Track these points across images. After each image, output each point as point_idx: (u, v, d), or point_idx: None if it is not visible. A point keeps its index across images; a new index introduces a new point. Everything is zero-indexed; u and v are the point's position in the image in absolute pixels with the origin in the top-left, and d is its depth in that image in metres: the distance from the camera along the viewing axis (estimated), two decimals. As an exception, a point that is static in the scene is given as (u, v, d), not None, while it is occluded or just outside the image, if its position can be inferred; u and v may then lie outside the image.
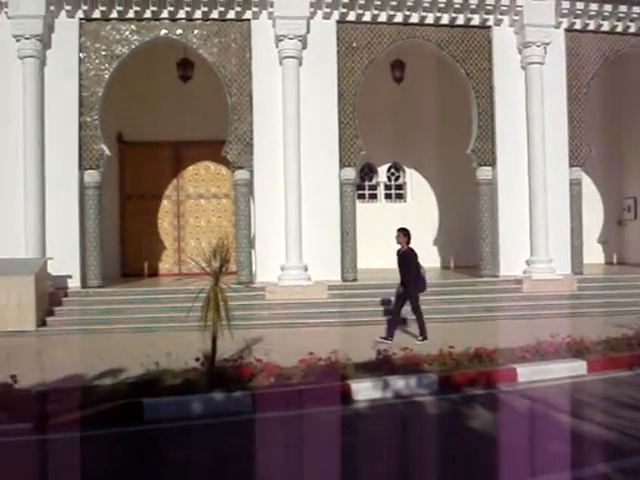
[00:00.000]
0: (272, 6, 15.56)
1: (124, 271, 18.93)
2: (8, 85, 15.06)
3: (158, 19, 15.66)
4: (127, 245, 19.19)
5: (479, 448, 6.33)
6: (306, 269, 15.42)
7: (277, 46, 15.70)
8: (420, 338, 11.54)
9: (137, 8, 15.45)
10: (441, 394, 8.33)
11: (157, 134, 18.87)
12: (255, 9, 15.76)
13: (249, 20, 15.88)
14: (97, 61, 15.50)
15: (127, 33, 15.65)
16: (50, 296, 14.20)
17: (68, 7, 15.34)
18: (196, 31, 15.75)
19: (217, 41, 15.76)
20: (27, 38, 15.02)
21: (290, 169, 15.42)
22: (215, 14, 15.71)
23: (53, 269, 14.65)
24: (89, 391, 8.09)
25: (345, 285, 15.64)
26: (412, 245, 11.97)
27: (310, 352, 9.14)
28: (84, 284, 15.21)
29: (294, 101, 15.51)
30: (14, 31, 15.02)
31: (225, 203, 19.61)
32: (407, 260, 11.80)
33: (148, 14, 15.59)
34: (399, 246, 12.01)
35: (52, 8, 15.22)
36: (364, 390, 8.19)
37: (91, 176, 15.33)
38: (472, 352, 9.38)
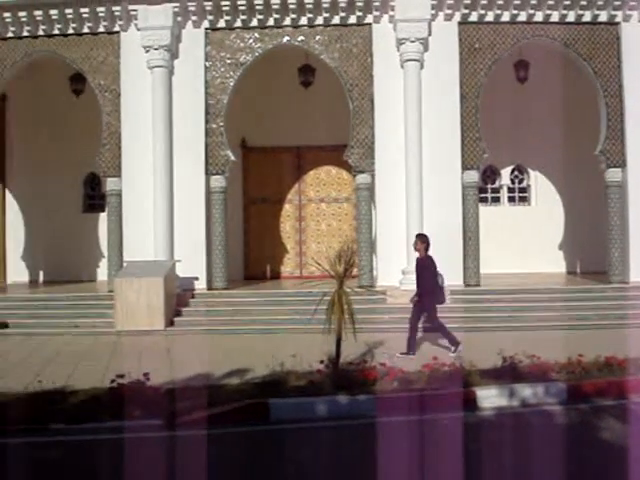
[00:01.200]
0: (393, 10, 15.53)
1: (247, 274, 19.35)
2: (139, 93, 15.71)
3: (281, 26, 15.93)
4: (250, 248, 19.60)
5: (610, 461, 6.06)
6: (428, 273, 15.26)
7: (398, 49, 15.65)
8: (452, 349, 10.92)
9: (260, 16, 15.77)
10: (570, 403, 8.03)
11: (279, 139, 19.19)
12: (376, 13, 15.77)
13: (370, 24, 15.90)
14: (222, 69, 15.92)
15: (251, 41, 16.00)
16: (178, 297, 14.70)
17: (194, 17, 15.85)
18: (318, 37, 15.91)
19: (338, 46, 15.87)
20: (156, 49, 15.64)
21: (412, 172, 15.32)
22: (336, 19, 15.82)
23: (180, 271, 15.17)
24: (216, 390, 8.29)
25: (468, 290, 15.38)
26: (438, 252, 11.60)
27: (434, 357, 9.04)
28: (210, 286, 15.65)
29: (415, 104, 15.41)
30: (143, 42, 15.69)
31: (346, 207, 19.70)
32: (422, 269, 11.25)
33: (271, 22, 15.89)
34: (416, 254, 11.52)
35: (179, 19, 15.76)
36: (489, 397, 8.02)
37: (217, 181, 15.78)
38: (602, 361, 9.00)
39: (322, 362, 8.59)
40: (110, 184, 15.94)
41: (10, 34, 16.12)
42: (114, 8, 15.75)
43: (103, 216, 18.54)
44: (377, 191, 15.81)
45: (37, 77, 17.99)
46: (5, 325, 14.14)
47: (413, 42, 15.45)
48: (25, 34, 16.12)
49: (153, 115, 15.55)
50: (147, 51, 15.69)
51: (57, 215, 19.54)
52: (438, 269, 11.25)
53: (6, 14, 15.82)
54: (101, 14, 15.80)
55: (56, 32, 16.06)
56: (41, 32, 16.08)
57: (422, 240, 11.41)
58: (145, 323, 13.70)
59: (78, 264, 19.30)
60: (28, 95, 18.90)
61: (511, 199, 20.54)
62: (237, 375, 9.20)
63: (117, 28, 16.03)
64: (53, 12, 15.75)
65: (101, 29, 16.03)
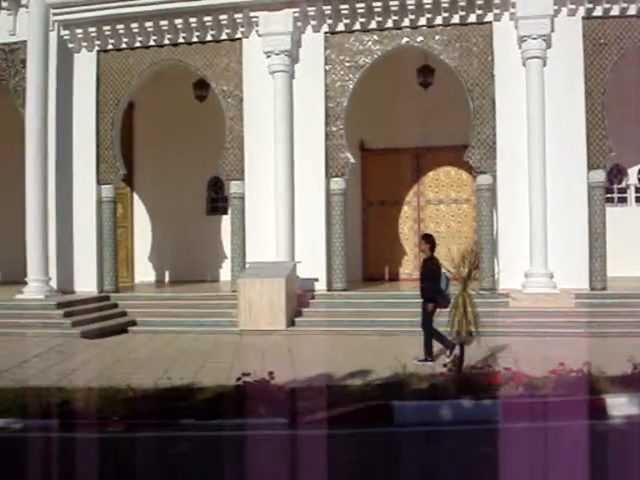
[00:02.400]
0: (514, 7, 15.18)
1: (366, 275, 19.39)
2: (261, 98, 16.05)
3: (399, 28, 15.87)
4: (369, 250, 19.63)
5: None
6: (551, 276, 14.84)
7: (520, 47, 15.29)
8: (422, 358, 10.49)
9: (379, 18, 15.78)
10: None
11: (397, 141, 19.12)
12: (496, 11, 15.47)
13: (490, 23, 15.61)
14: (342, 72, 16.03)
15: (370, 43, 16.03)
16: (298, 298, 14.90)
17: (314, 22, 16.03)
18: (437, 37, 15.76)
19: (458, 46, 15.67)
20: (277, 54, 15.92)
21: (535, 173, 14.92)
22: (456, 19, 15.62)
23: (301, 272, 15.38)
24: (338, 390, 8.35)
25: (593, 294, 14.84)
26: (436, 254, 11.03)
27: (560, 363, 8.78)
28: (329, 287, 15.79)
29: (538, 102, 15.00)
30: (265, 48, 16.01)
31: (465, 208, 19.43)
32: (424, 270, 10.97)
33: (390, 23, 15.86)
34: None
35: (299, 24, 15.99)
36: (620, 405, 7.71)
37: (337, 183, 15.89)
38: None
39: (445, 365, 8.51)
40: (233, 187, 16.35)
41: (137, 44, 16.80)
42: (236, 16, 16.14)
43: (226, 218, 19.06)
44: (499, 192, 15.51)
45: (162, 85, 18.65)
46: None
47: (535, 39, 15.05)
48: (151, 43, 16.75)
49: (274, 119, 15.85)
50: (268, 56, 16.00)
51: (182, 217, 20.20)
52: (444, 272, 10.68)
53: (133, 25, 16.50)
54: (223, 22, 16.22)
55: (181, 41, 16.61)
56: (166, 41, 16.66)
57: (426, 240, 11.14)
58: (267, 323, 13.97)
59: (202, 265, 19.89)
60: (153, 102, 19.63)
61: (639, 199, 19.68)
62: (359, 376, 9.23)
63: (239, 35, 16.41)
64: (178, 21, 16.30)
65: (224, 36, 16.46)
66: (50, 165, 16.47)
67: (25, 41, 16.62)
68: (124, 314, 15.45)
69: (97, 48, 17.03)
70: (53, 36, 16.71)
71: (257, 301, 14.05)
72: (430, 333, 10.72)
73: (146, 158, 20.45)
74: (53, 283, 16.32)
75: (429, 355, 10.57)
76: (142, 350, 12.42)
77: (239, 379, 8.20)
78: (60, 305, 14.86)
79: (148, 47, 16.80)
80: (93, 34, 16.79)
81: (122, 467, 6.23)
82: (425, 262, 11.05)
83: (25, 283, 15.99)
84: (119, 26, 16.57)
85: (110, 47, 16.93)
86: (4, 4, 17.11)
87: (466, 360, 8.50)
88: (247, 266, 15.62)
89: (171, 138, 20.01)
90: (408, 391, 8.00)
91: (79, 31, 16.82)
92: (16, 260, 18.89)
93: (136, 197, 20.84)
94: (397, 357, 9.42)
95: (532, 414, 7.43)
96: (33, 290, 15.65)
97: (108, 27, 16.62)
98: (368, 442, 6.90)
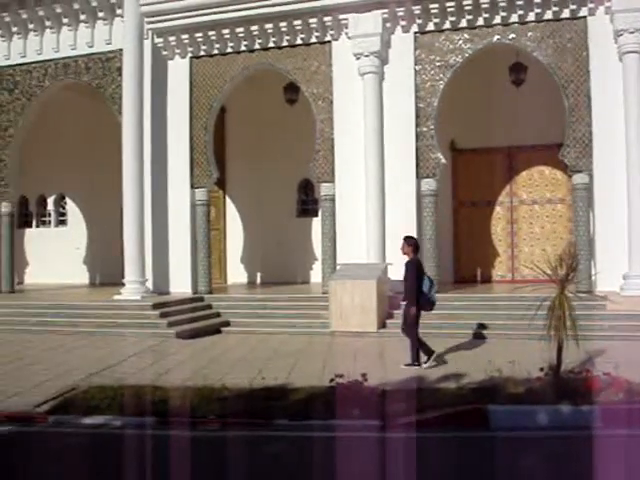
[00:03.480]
0: (609, 0, 14.72)
1: (457, 277, 19.14)
2: (351, 100, 16.10)
3: (490, 25, 15.62)
4: (460, 251, 19.37)
5: None
6: (652, 278, 14.35)
7: (616, 42, 14.79)
8: (408, 362, 10.46)
9: (469, 17, 15.58)
10: None
11: (489, 140, 18.82)
12: (591, 5, 15.00)
13: (584, 17, 15.17)
14: (432, 72, 15.88)
15: (460, 42, 15.84)
16: (389, 300, 14.81)
17: (403, 22, 15.94)
18: (529, 33, 15.43)
19: (552, 42, 15.30)
20: (366, 55, 15.92)
21: (634, 171, 14.41)
22: (549, 14, 15.26)
23: (392, 274, 15.29)
24: (431, 393, 8.28)
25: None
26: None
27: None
28: (420, 289, 15.66)
29: (636, 98, 14.49)
30: (354, 50, 16.03)
31: (560, 208, 18.93)
32: (406, 272, 10.77)
33: (480, 21, 15.63)
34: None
35: (388, 25, 15.94)
36: None
37: (427, 184, 15.76)
38: None
39: (541, 369, 8.31)
40: (324, 189, 16.42)
41: (229, 49, 17.10)
42: (325, 19, 16.23)
43: (316, 220, 19.19)
44: (595, 191, 15.05)
45: (253, 89, 18.91)
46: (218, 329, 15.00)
47: (632, 33, 14.49)
48: (242, 49, 17.03)
49: (365, 121, 15.85)
50: (358, 58, 16.01)
51: (272, 220, 20.45)
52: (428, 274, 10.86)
53: (225, 31, 16.80)
54: (313, 25, 16.33)
55: (271, 45, 16.81)
56: (257, 46, 16.90)
57: (408, 242, 11.04)
58: (358, 324, 13.95)
59: (293, 266, 20.07)
60: (245, 106, 19.95)
61: None
62: (452, 379, 9.13)
63: (328, 38, 16.50)
64: (268, 26, 16.51)
65: (313, 40, 16.57)
66: (146, 169, 16.96)
67: (121, 50, 17.22)
68: (218, 315, 15.74)
69: (190, 55, 17.42)
70: (147, 44, 17.21)
71: (348, 303, 14.06)
72: (415, 337, 10.69)
73: (238, 161, 20.80)
74: (149, 284, 16.79)
75: (416, 359, 10.56)
76: (236, 350, 12.60)
77: (332, 380, 8.22)
78: (156, 306, 15.26)
79: (239, 52, 17.08)
80: (186, 41, 17.19)
81: (217, 465, 6.35)
82: (407, 264, 10.93)
83: (122, 284, 16.49)
84: (211, 33, 16.91)
85: (202, 53, 17.30)
86: (100, 14, 17.74)
87: (563, 364, 8.27)
88: (338, 268, 15.66)
89: (262, 141, 20.28)
90: (503, 395, 7.84)
91: (172, 38, 17.25)
92: (114, 262, 19.55)
93: (228, 200, 21.22)
94: (491, 360, 9.26)
95: (633, 421, 7.18)
96: (130, 291, 16.13)
97: (200, 34, 16.99)
98: (463, 446, 6.81)
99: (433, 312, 14.25)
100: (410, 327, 10.77)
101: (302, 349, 12.48)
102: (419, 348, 10.61)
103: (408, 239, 11.19)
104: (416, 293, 10.62)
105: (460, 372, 9.59)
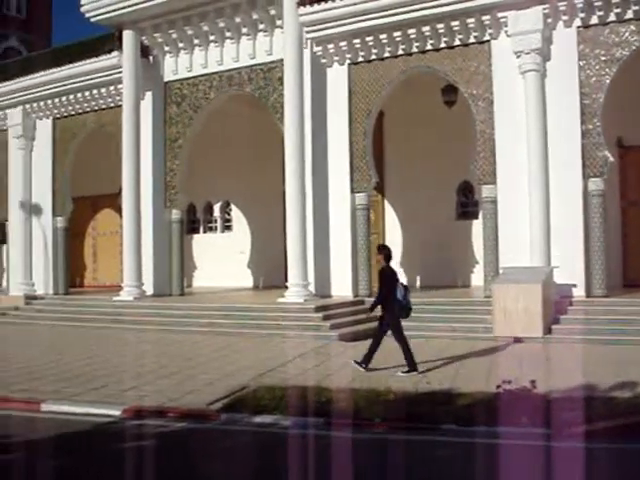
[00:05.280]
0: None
1: (626, 281, 18.15)
2: (511, 100, 15.74)
3: (658, 15, 14.83)
4: (629, 254, 18.38)
5: None
6: None
7: None
8: (405, 370, 10.45)
9: (636, 7, 14.81)
10: None
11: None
12: None
13: None
14: (597, 67, 15.25)
15: (626, 34, 15.10)
16: (555, 304, 14.36)
17: (565, 17, 15.41)
18: None
19: None
20: (527, 53, 15.53)
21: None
22: None
23: (557, 277, 14.84)
24: (603, 403, 7.97)
25: None
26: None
27: None
28: (588, 293, 15.05)
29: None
30: (514, 48, 15.69)
31: None
32: (379, 280, 10.85)
33: (648, 12, 14.88)
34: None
35: (549, 20, 15.46)
36: None
37: (595, 184, 15.13)
38: None
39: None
40: (485, 191, 16.15)
41: (386, 54, 17.19)
42: (483, 18, 15.97)
43: (476, 223, 18.91)
44: None
45: (410, 92, 18.88)
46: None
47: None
48: (400, 53, 17.06)
49: (527, 120, 15.43)
50: (518, 56, 15.65)
51: (431, 223, 20.31)
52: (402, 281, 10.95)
53: (382, 36, 16.90)
54: (471, 25, 16.12)
55: (429, 47, 16.74)
56: (415, 49, 16.88)
57: (380, 251, 11.15)
58: (522, 329, 13.59)
59: (452, 270, 19.83)
60: (402, 110, 19.93)
61: None
62: (627, 388, 8.71)
63: (487, 37, 16.23)
64: (425, 29, 16.46)
65: (471, 39, 16.35)
66: (307, 175, 17.35)
67: (281, 60, 17.75)
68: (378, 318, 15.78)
69: (348, 61, 17.67)
70: (307, 53, 17.62)
71: (512, 307, 13.73)
72: (375, 339, 10.90)
73: (396, 165, 20.85)
74: (311, 287, 17.13)
75: (366, 361, 10.70)
76: (398, 354, 12.55)
77: (499, 386, 8.09)
78: (318, 309, 15.58)
79: (397, 56, 17.14)
80: (344, 48, 17.44)
81: (381, 469, 6.40)
82: (380, 272, 10.97)
83: (285, 287, 16.94)
84: (368, 38, 17.06)
85: (360, 59, 17.49)
86: (261, 26, 18.40)
87: None
88: (501, 271, 15.35)
89: (420, 144, 20.21)
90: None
91: (330, 46, 17.56)
92: (277, 265, 20.14)
93: (387, 203, 21.31)
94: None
95: None
96: (293, 294, 16.54)
97: (358, 40, 17.19)
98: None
99: (604, 317, 13.73)
100: (398, 334, 10.85)
101: (465, 354, 12.30)
102: (408, 353, 10.67)
103: (380, 248, 11.38)
104: (388, 301, 10.69)
105: (635, 380, 9.13)
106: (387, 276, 10.83)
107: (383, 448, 7.06)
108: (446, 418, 7.56)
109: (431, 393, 8.63)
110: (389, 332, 10.94)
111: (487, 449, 6.78)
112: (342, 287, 17.33)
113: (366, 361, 10.79)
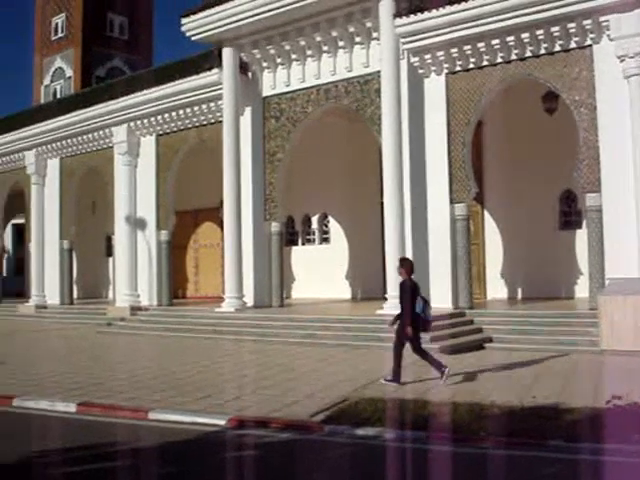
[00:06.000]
0: None
1: None
2: (615, 106, 15.27)
3: None
4: None
5: None
6: None
7: None
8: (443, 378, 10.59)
9: None
10: None
11: None
12: None
13: None
14: None
15: None
16: (667, 317, 13.80)
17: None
18: None
19: None
20: (631, 57, 15.05)
21: None
22: None
23: (668, 289, 14.27)
24: None
25: None
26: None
27: None
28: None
29: None
30: (617, 52, 15.21)
31: None
32: (400, 293, 10.84)
33: None
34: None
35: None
36: None
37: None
38: None
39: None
40: (589, 200, 15.69)
41: (485, 62, 16.98)
42: (585, 22, 15.56)
43: (580, 232, 18.45)
44: None
45: (509, 100, 18.59)
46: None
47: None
48: (499, 61, 16.81)
49: (632, 125, 14.92)
50: (622, 60, 15.18)
51: (533, 233, 19.88)
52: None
53: (480, 44, 16.71)
54: (572, 30, 15.74)
55: (528, 54, 16.43)
56: (514, 56, 16.61)
57: (401, 264, 11.16)
58: (632, 343, 13.06)
59: (555, 281, 19.37)
60: (501, 118, 19.61)
61: None
62: None
63: (588, 42, 15.80)
64: (524, 35, 16.16)
65: (572, 45, 15.96)
66: (405, 186, 17.28)
67: (378, 71, 17.84)
68: (480, 330, 15.59)
69: (445, 71, 17.55)
70: (403, 64, 17.60)
71: (620, 320, 13.24)
72: (396, 353, 10.82)
73: (495, 175, 20.54)
74: (409, 299, 16.99)
75: (396, 376, 10.69)
76: (500, 369, 12.33)
77: (609, 402, 7.83)
78: (417, 321, 15.43)
79: (495, 64, 16.90)
80: (441, 58, 17.34)
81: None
82: (401, 285, 10.93)
83: (384, 299, 16.91)
84: (466, 47, 16.90)
85: (458, 68, 17.34)
86: (357, 39, 18.54)
87: None
88: (607, 282, 14.87)
89: (519, 153, 19.85)
90: None
91: (427, 56, 17.48)
92: (375, 277, 20.14)
93: (486, 213, 20.99)
94: None
95: None
96: (392, 306, 16.40)
97: (455, 49, 17.05)
98: None
99: None
100: (395, 346, 10.90)
101: (571, 368, 11.96)
102: (398, 367, 10.73)
103: (402, 261, 11.41)
104: (411, 314, 10.61)
105: None
106: (410, 289, 10.80)
107: (487, 463, 6.94)
108: (553, 434, 7.37)
109: (537, 408, 8.43)
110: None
111: (595, 466, 6.58)
112: (441, 298, 17.09)
113: (395, 377, 10.76)
